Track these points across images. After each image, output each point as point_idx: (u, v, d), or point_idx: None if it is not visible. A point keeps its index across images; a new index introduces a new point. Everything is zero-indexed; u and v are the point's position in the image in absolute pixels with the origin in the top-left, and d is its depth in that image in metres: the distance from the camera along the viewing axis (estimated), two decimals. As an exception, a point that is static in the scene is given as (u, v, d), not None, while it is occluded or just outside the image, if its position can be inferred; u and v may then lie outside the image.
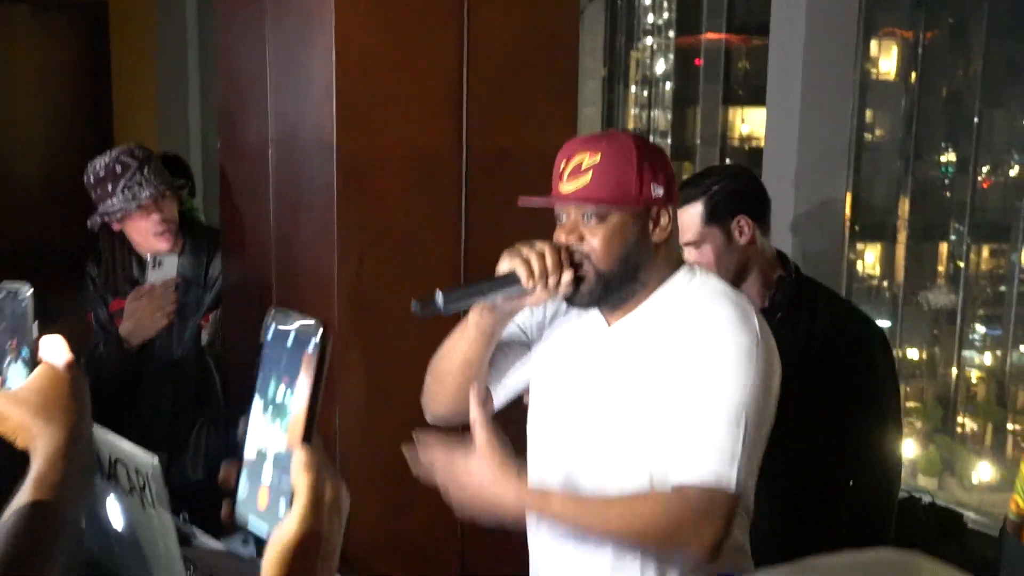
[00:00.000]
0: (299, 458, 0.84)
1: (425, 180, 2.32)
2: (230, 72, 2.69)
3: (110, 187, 2.56)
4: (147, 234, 2.61)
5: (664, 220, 1.60)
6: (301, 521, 0.83)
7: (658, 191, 1.57)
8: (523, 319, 1.75)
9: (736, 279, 2.21)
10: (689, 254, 2.23)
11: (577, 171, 1.56)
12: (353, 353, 2.28)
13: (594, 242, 1.57)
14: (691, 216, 2.19)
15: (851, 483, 2.22)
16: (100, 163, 2.60)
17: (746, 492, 1.54)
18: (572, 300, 1.61)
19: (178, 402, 2.70)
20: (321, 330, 0.76)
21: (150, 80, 5.68)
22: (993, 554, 2.32)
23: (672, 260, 1.66)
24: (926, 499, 2.57)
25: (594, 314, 1.68)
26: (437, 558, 2.42)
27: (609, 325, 1.66)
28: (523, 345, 1.76)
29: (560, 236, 1.59)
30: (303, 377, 0.81)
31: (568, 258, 1.56)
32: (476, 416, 1.53)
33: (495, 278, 1.57)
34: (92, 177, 2.61)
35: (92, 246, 2.80)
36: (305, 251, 2.41)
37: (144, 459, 1.56)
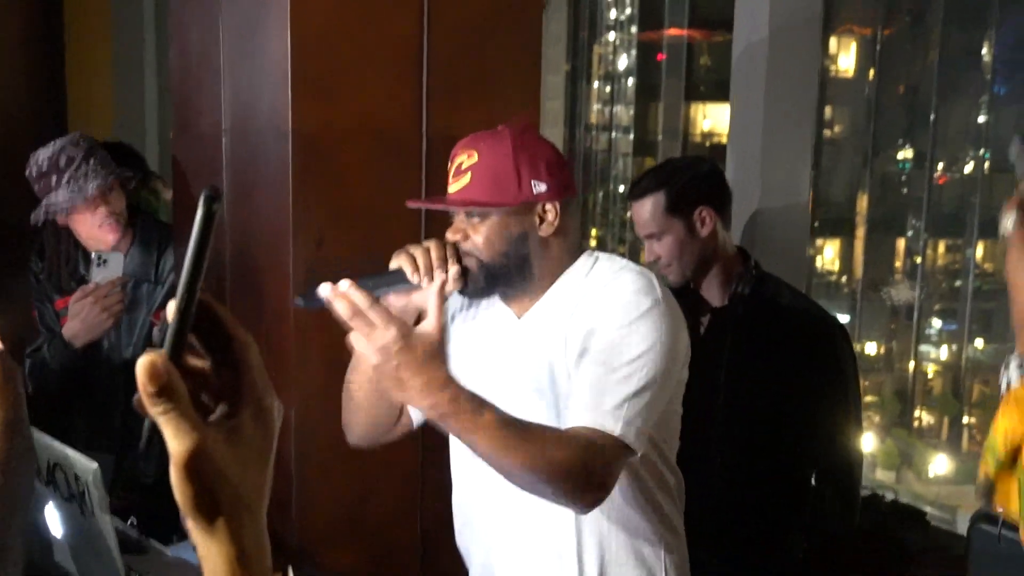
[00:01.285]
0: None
1: (385, 157, 2.27)
2: (183, 52, 2.62)
3: (54, 180, 2.47)
4: (93, 227, 2.52)
5: (551, 215, 1.63)
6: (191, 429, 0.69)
7: (540, 187, 1.61)
8: None
9: (698, 272, 2.20)
10: (650, 247, 2.21)
11: (458, 172, 1.62)
12: (311, 339, 2.23)
13: (477, 239, 1.62)
14: (650, 208, 2.18)
15: (816, 473, 2.22)
16: (43, 155, 2.51)
17: (636, 446, 1.55)
18: (464, 292, 1.66)
19: (128, 401, 2.62)
20: (206, 193, 0.64)
21: (105, 67, 5.58)
22: (957, 549, 2.33)
23: (571, 249, 1.69)
24: (889, 496, 2.58)
25: (502, 309, 1.72)
26: (398, 549, 2.38)
27: (519, 317, 1.70)
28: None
29: (448, 233, 1.65)
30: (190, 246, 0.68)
31: (454, 254, 1.61)
32: (433, 302, 1.49)
33: (383, 274, 1.60)
34: (35, 170, 2.51)
35: (36, 235, 2.71)
36: (262, 235, 2.35)
37: (84, 464, 1.51)
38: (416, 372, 1.41)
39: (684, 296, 2.09)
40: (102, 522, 1.54)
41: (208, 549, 0.69)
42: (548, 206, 1.63)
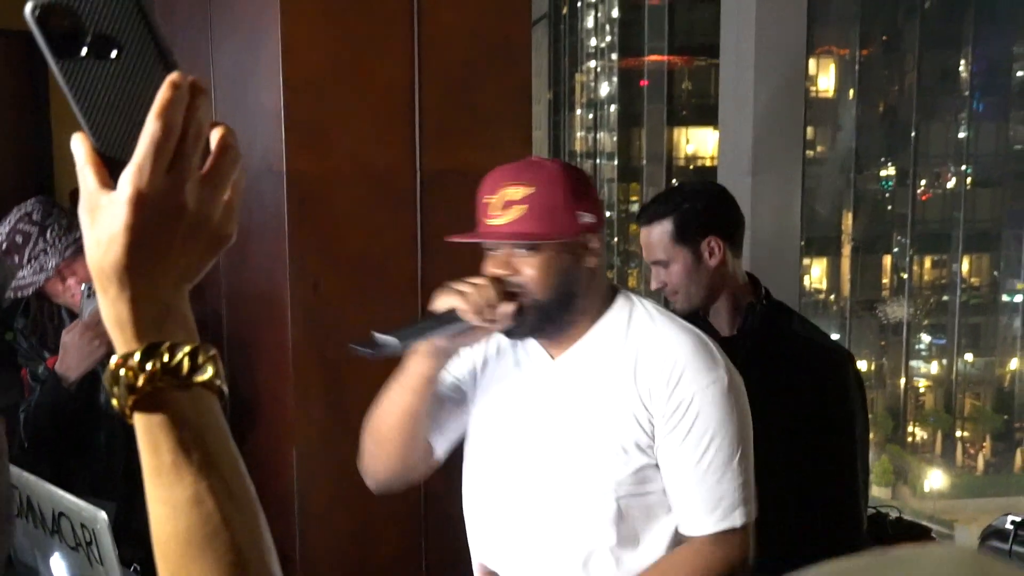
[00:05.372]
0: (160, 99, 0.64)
1: (378, 199, 2.28)
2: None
3: (16, 259, 2.44)
4: (65, 297, 2.52)
5: (595, 245, 1.59)
6: (135, 178, 0.63)
7: (586, 218, 1.56)
8: (455, 367, 1.71)
9: (705, 302, 2.16)
10: (657, 273, 2.18)
11: (507, 204, 1.52)
12: (310, 381, 2.23)
13: (529, 273, 1.53)
14: (660, 234, 2.13)
15: (822, 503, 2.21)
16: (1, 234, 2.48)
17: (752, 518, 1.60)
18: (512, 332, 1.59)
19: (131, 449, 2.60)
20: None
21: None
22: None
23: (605, 285, 1.65)
24: (893, 514, 2.58)
25: (535, 349, 1.65)
26: (400, 588, 2.37)
27: (553, 358, 1.64)
28: (458, 392, 1.73)
29: (491, 268, 1.56)
30: None
31: (503, 290, 1.53)
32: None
33: (435, 316, 1.53)
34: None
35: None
36: (257, 279, 2.35)
37: (91, 513, 1.49)
38: None
39: (692, 324, 2.07)
40: (111, 571, 1.53)
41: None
42: (593, 237, 1.57)
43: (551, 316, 1.55)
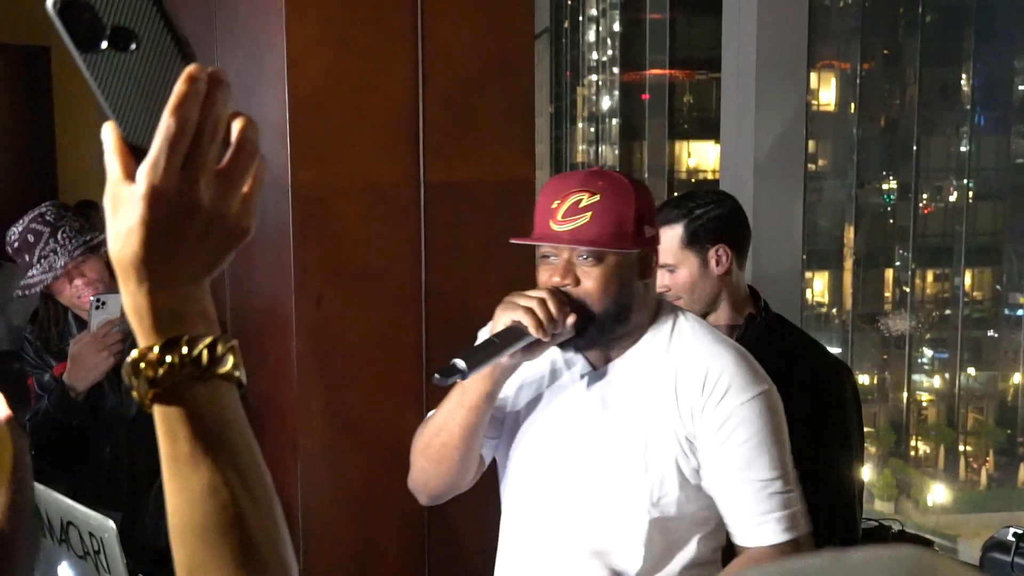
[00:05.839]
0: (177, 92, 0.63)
1: (382, 213, 2.29)
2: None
3: (27, 257, 2.46)
4: (72, 298, 2.53)
5: (654, 261, 1.60)
6: (149, 174, 0.64)
7: (651, 232, 1.56)
8: None
9: (705, 309, 2.18)
10: (661, 277, 2.19)
11: (575, 210, 1.50)
12: (314, 393, 2.23)
13: (589, 284, 1.52)
14: (669, 238, 2.14)
15: (816, 523, 2.21)
16: (15, 232, 2.50)
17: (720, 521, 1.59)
18: (566, 344, 1.57)
19: (135, 459, 2.61)
20: None
21: (94, 125, 5.61)
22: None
23: (654, 298, 1.65)
24: (895, 527, 2.57)
25: (577, 360, 1.64)
26: (404, 602, 2.37)
27: (596, 369, 1.62)
28: (502, 400, 1.71)
29: (548, 276, 1.55)
30: None
31: (567, 301, 1.51)
32: None
33: (503, 333, 1.50)
34: (11, 248, 2.52)
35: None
36: (261, 292, 2.36)
37: (99, 522, 1.50)
38: None
39: None
40: (120, 578, 1.54)
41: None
42: (653, 253, 1.59)
43: (606, 329, 1.55)
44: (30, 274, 2.43)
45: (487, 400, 1.57)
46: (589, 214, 1.50)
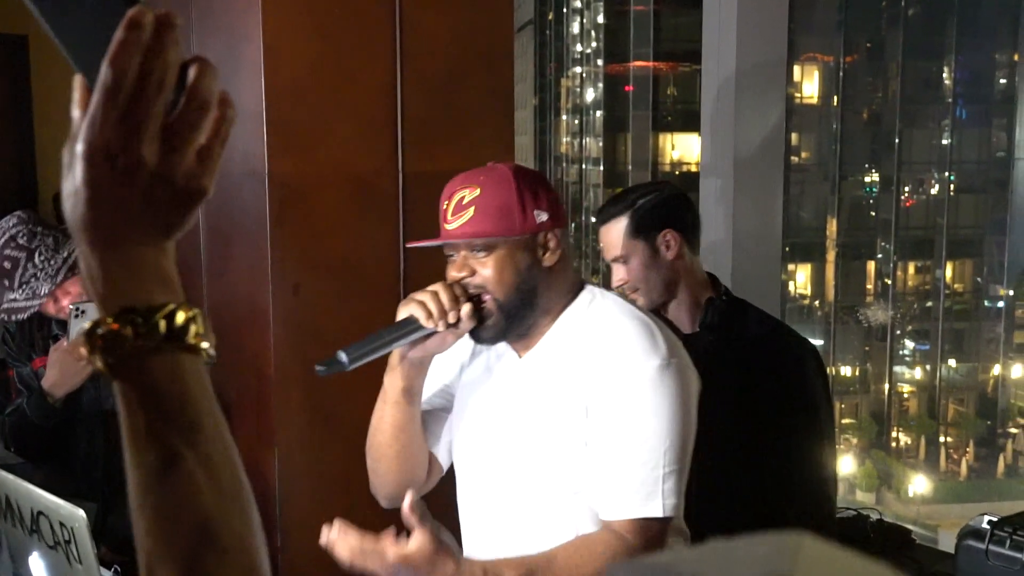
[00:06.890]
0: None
1: (360, 202, 2.28)
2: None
3: (6, 282, 2.43)
4: (58, 314, 2.51)
5: (553, 243, 1.62)
6: (87, 131, 0.60)
7: (542, 216, 1.60)
8: (447, 377, 1.75)
9: (664, 296, 2.22)
10: (617, 271, 2.23)
11: (460, 207, 1.57)
12: (292, 384, 2.22)
13: (485, 273, 1.58)
14: (616, 231, 2.20)
15: (790, 499, 2.23)
16: None
17: (677, 514, 1.56)
18: (478, 335, 1.61)
19: (111, 451, 2.60)
20: None
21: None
22: (942, 567, 2.34)
23: (571, 283, 1.67)
24: (874, 516, 2.59)
25: (505, 351, 1.69)
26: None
27: (520, 357, 1.67)
28: (447, 400, 1.76)
29: (452, 274, 1.61)
30: None
31: (463, 292, 1.57)
32: (409, 519, 1.48)
33: (393, 326, 1.56)
34: None
35: None
36: (238, 282, 2.35)
37: (70, 512, 1.49)
38: None
39: None
40: (90, 570, 1.52)
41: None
42: (550, 235, 1.61)
43: (514, 315, 1.59)
44: (12, 298, 2.39)
45: (406, 395, 1.62)
46: (472, 208, 1.56)
